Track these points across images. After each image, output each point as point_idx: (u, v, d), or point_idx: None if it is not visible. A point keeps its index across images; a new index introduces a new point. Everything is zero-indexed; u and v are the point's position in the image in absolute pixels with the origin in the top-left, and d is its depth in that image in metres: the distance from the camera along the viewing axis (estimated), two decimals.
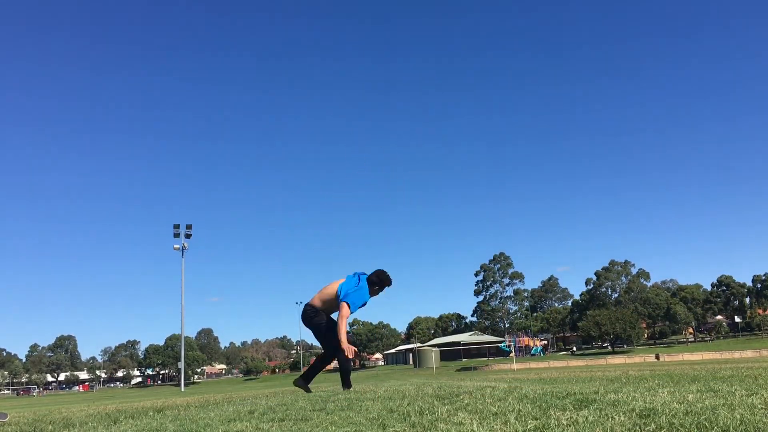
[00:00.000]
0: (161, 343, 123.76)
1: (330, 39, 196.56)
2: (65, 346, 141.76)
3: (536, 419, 2.27)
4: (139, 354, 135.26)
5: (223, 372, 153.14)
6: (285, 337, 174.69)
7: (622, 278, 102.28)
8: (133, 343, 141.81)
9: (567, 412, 2.46)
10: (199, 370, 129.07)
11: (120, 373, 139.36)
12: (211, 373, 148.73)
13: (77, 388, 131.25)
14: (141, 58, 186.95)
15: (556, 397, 3.51)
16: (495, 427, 2.15)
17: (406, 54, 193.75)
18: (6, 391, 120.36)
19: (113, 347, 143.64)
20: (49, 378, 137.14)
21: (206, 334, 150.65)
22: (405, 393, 5.93)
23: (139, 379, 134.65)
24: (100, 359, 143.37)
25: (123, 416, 7.30)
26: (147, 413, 7.29)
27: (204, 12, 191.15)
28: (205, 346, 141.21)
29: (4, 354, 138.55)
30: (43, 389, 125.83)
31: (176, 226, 65.27)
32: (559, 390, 4.18)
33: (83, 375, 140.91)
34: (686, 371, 11.06)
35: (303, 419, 3.67)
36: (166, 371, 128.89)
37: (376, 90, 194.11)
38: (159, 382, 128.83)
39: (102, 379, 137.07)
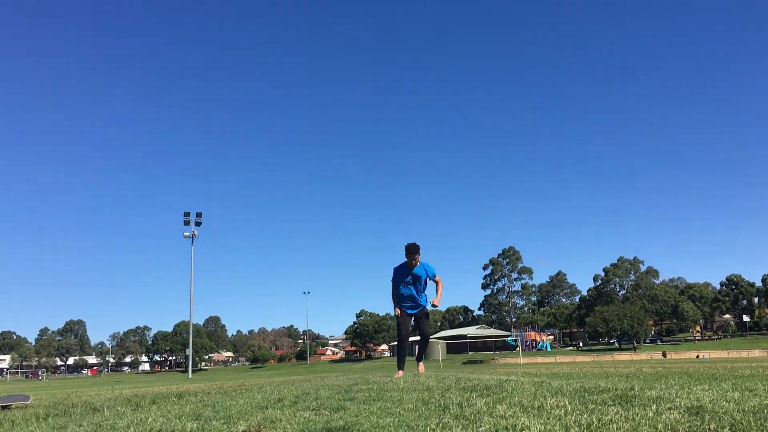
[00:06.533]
0: (170, 329, 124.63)
1: (338, 38, 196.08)
2: (75, 330, 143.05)
3: (588, 413, 2.28)
4: (148, 340, 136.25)
5: (230, 360, 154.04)
6: (292, 326, 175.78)
7: (631, 275, 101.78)
8: (143, 329, 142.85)
9: (613, 407, 2.48)
10: (206, 357, 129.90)
11: (128, 359, 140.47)
12: (218, 360, 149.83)
13: (85, 372, 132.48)
14: (158, 54, 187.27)
15: (590, 392, 3.53)
16: (548, 421, 2.17)
17: (412, 53, 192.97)
18: (17, 375, 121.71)
19: (122, 333, 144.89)
20: (59, 362, 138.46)
21: (214, 321, 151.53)
22: (428, 385, 5.97)
23: (147, 365, 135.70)
24: (108, 344, 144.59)
25: (143, 401, 7.38)
26: (169, 398, 7.38)
27: (228, 7, 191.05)
28: (212, 333, 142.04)
29: (14, 337, 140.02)
30: (51, 373, 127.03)
31: (186, 214, 65.87)
32: (591, 386, 4.20)
33: (92, 359, 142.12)
34: (701, 369, 11.04)
35: (338, 408, 3.68)
36: (174, 358, 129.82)
37: (388, 87, 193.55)
38: (166, 368, 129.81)
39: (110, 364, 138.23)
